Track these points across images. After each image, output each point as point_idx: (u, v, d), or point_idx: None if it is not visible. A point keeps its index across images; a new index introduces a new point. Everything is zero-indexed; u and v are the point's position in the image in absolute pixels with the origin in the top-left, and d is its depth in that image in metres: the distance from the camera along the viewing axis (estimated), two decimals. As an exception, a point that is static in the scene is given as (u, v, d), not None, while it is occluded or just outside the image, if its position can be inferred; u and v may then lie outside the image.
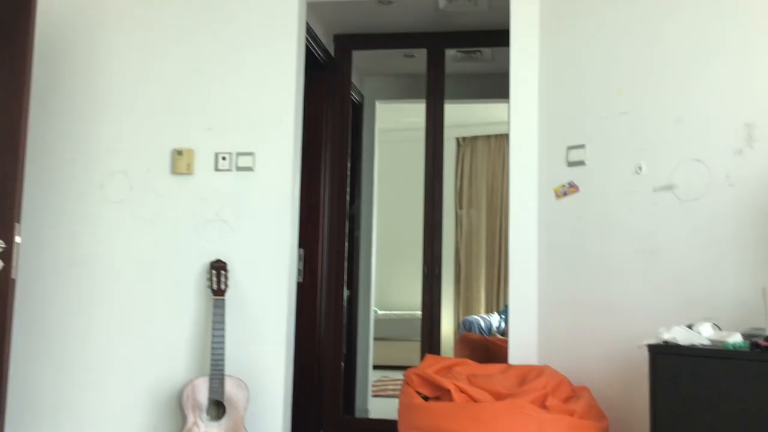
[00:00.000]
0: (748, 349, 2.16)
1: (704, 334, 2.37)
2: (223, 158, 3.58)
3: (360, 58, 4.86)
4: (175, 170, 3.60)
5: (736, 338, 2.27)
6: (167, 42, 3.68)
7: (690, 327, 2.43)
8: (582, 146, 3.20)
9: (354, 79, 4.79)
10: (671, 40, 2.95)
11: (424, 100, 4.52)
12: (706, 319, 2.51)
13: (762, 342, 2.15)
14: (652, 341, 2.37)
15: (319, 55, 4.25)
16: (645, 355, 2.87)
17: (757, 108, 2.71)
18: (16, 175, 2.95)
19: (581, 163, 3.21)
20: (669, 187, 2.92)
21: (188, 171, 3.59)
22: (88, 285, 3.62)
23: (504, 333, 6.28)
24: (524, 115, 3.41)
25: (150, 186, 3.64)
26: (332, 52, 4.56)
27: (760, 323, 2.58)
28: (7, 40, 2.99)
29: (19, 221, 2.96)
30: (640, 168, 3.01)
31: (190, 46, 3.67)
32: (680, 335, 2.34)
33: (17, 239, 2.94)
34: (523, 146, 3.40)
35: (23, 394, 3.59)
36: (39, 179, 3.72)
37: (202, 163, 3.61)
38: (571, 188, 3.24)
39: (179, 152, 3.59)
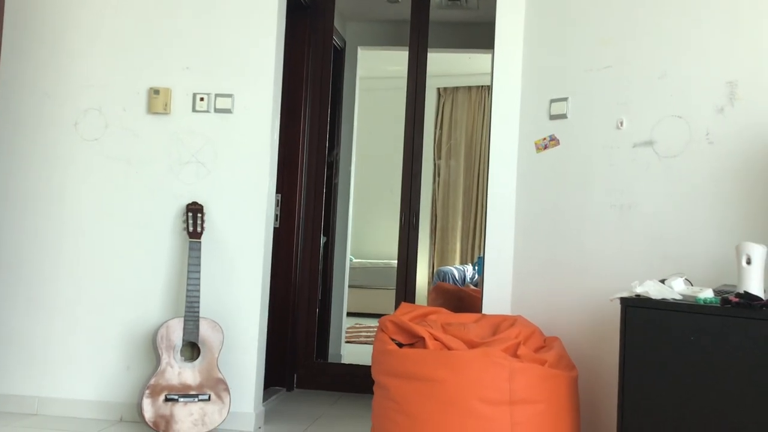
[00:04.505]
0: (718, 304, 2.19)
1: (676, 289, 2.39)
2: (201, 99, 3.52)
3: (343, 1, 4.75)
4: (151, 109, 3.53)
5: (707, 293, 2.30)
6: (145, -24, 3.58)
7: (662, 282, 2.46)
8: (565, 99, 3.19)
9: (336, 24, 4.69)
10: (659, -7, 2.92)
11: (406, 48, 4.46)
12: (679, 275, 2.54)
13: (732, 297, 2.18)
14: (625, 294, 2.40)
15: (301, -4, 4.16)
16: (617, 308, 2.91)
17: (742, 66, 2.70)
18: (-13, 108, 2.88)
19: (563, 116, 3.19)
20: (649, 143, 2.92)
21: (165, 111, 3.53)
22: (60, 223, 3.57)
23: (477, 284, 6.34)
24: (508, 66, 3.37)
25: (126, 125, 3.57)
26: (315, -6, 4.46)
27: (733, 281, 2.62)
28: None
29: (-10, 156, 2.90)
30: (621, 123, 3.00)
31: (169, -18, 3.56)
32: (652, 289, 2.36)
33: (-12, 174, 2.88)
34: (505, 97, 3.38)
35: (-5, 331, 3.57)
36: (12, 113, 3.63)
37: (180, 103, 3.54)
38: (552, 141, 3.23)
39: (156, 91, 3.52)
